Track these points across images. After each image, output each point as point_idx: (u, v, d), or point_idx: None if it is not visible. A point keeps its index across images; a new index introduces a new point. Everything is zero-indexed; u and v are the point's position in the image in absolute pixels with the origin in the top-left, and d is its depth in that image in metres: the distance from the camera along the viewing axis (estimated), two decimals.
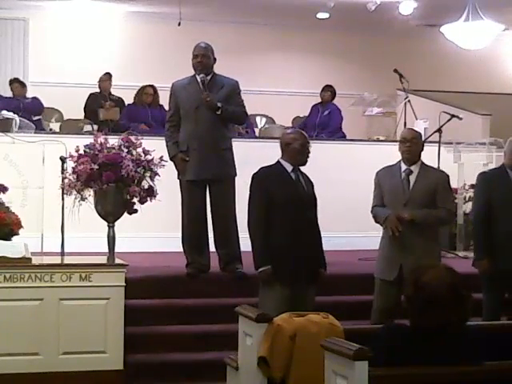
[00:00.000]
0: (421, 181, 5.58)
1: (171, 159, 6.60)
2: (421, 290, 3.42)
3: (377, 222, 5.73)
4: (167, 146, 6.68)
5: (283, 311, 4.68)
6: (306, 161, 5.54)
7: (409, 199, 5.55)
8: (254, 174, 5.55)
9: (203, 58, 6.59)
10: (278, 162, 5.53)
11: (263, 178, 5.47)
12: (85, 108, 10.78)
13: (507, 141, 5.97)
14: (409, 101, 10.18)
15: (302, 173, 5.57)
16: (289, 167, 5.49)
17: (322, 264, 5.57)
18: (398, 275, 5.47)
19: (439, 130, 8.43)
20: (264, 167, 5.57)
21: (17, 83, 10.37)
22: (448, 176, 5.74)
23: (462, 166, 8.74)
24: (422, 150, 5.70)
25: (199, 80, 6.57)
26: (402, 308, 5.43)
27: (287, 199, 5.38)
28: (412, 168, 5.61)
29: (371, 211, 5.76)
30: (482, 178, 6.00)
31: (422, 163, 5.69)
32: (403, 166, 5.64)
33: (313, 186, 5.62)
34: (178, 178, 6.67)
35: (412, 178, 5.59)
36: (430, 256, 5.45)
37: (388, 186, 5.65)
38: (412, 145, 5.60)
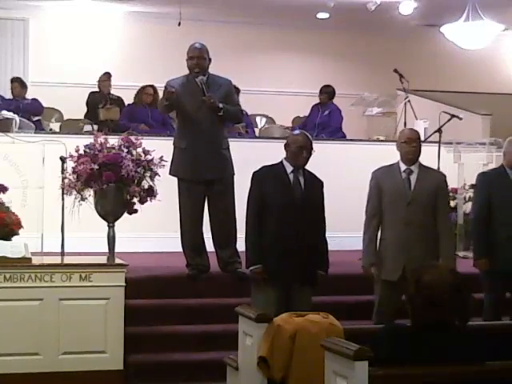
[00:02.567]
0: (422, 181, 5.57)
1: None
2: (422, 289, 3.42)
3: None
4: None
5: (271, 311, 4.71)
6: (304, 163, 5.53)
7: (412, 199, 5.54)
8: (255, 171, 5.58)
9: (199, 60, 6.54)
10: (281, 161, 5.56)
11: (260, 178, 5.52)
12: (87, 104, 10.74)
13: (506, 141, 5.98)
14: (409, 101, 10.17)
15: (306, 174, 5.54)
16: (289, 168, 5.51)
17: (322, 266, 5.54)
18: (401, 275, 5.46)
19: (439, 130, 8.41)
20: (265, 166, 5.59)
21: (17, 83, 10.32)
22: (445, 176, 5.75)
23: (462, 166, 8.72)
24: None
25: (199, 83, 6.51)
26: (404, 308, 5.52)
27: (279, 201, 5.40)
28: (412, 168, 5.61)
29: (365, 224, 5.64)
30: (481, 178, 6.01)
31: (420, 164, 5.69)
32: (403, 166, 5.62)
33: (319, 187, 5.59)
34: (170, 174, 6.59)
35: (413, 178, 5.59)
36: (430, 257, 5.44)
37: (389, 185, 5.62)
38: (417, 145, 5.60)
